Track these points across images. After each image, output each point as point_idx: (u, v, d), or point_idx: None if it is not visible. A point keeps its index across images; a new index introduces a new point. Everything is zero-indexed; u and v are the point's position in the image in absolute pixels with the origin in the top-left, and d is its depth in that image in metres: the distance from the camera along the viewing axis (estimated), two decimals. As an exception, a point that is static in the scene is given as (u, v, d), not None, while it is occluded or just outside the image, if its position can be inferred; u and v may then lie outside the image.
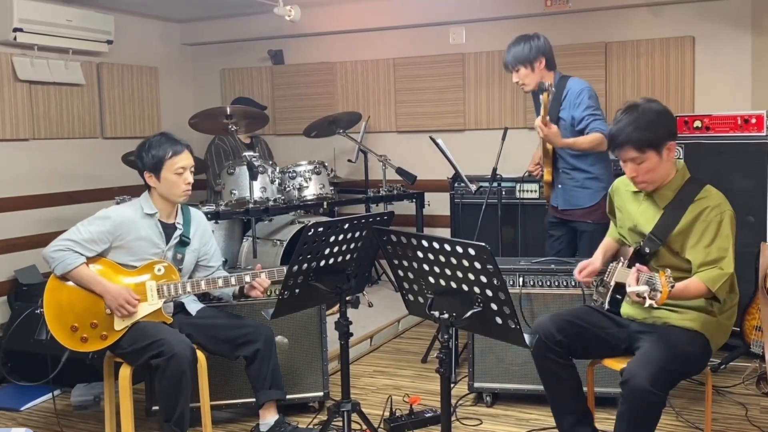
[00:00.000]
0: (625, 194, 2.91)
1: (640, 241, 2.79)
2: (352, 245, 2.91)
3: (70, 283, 3.05)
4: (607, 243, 3.02)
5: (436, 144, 4.29)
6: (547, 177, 3.96)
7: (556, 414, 2.92)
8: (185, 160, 3.18)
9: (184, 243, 3.26)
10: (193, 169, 3.23)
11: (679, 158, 4.32)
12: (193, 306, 3.33)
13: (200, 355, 3.14)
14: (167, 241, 3.21)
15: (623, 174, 2.81)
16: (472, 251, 2.20)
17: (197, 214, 3.40)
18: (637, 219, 2.80)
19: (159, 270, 3.14)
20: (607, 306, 2.82)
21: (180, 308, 3.29)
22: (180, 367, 2.90)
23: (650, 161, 2.64)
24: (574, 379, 2.86)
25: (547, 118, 3.68)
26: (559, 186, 3.95)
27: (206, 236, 3.38)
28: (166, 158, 3.14)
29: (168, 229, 3.23)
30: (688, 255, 2.65)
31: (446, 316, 2.39)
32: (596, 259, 2.91)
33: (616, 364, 2.75)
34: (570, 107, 3.79)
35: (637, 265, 2.56)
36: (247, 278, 3.19)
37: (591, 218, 3.85)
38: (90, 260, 3.07)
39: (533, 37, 3.82)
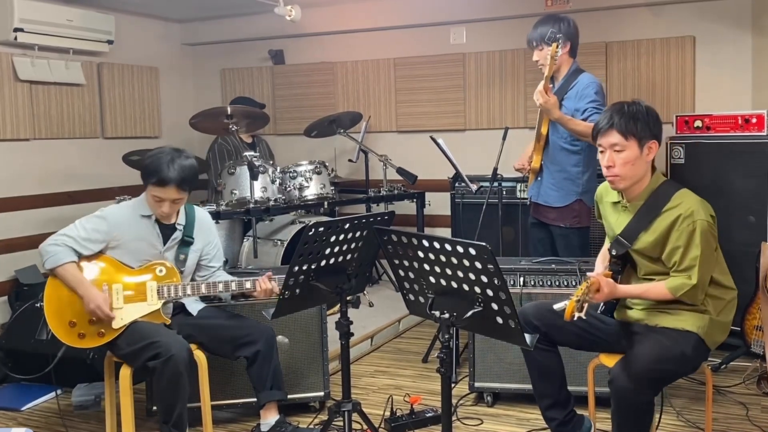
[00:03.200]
0: (606, 204, 2.94)
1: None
2: (353, 245, 2.91)
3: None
4: (605, 251, 3.04)
5: (437, 144, 4.29)
6: (535, 164, 3.95)
7: (535, 394, 3.01)
8: (165, 193, 3.07)
9: (186, 243, 3.26)
10: (177, 201, 3.13)
11: (679, 158, 4.33)
12: (194, 306, 3.33)
13: (201, 355, 3.15)
14: (164, 242, 3.21)
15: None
16: (472, 251, 2.20)
17: (201, 214, 3.39)
18: (615, 229, 2.85)
19: (161, 271, 3.14)
20: (601, 308, 2.85)
21: (181, 309, 3.30)
22: (177, 369, 2.90)
23: (630, 152, 2.67)
24: (553, 364, 2.94)
25: (550, 86, 3.67)
26: (539, 178, 3.97)
27: (210, 236, 3.37)
28: (150, 182, 3.09)
29: (166, 230, 3.22)
30: (664, 258, 2.70)
31: (447, 316, 2.39)
32: (598, 271, 2.93)
33: (613, 363, 2.75)
34: (575, 98, 3.77)
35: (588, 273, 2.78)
36: (248, 284, 3.18)
37: (564, 222, 3.87)
38: (93, 258, 3.08)
39: (563, 20, 3.79)
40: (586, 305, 2.48)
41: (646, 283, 2.75)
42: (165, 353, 2.89)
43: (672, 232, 2.65)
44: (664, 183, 2.76)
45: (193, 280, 3.30)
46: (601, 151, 2.74)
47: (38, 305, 3.90)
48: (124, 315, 3.07)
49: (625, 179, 2.71)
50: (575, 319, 2.48)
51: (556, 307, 2.64)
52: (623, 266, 2.84)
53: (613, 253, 2.80)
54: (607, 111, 2.73)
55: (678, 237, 2.63)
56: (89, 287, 3.03)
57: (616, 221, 2.86)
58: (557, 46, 3.58)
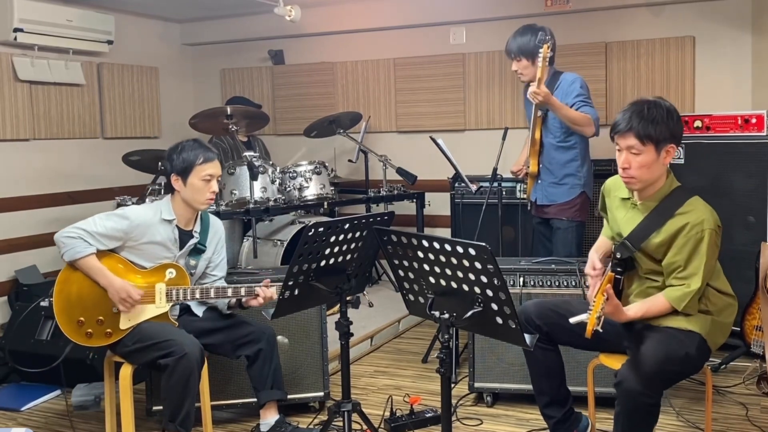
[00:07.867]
0: (614, 199, 2.91)
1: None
2: (353, 245, 2.91)
3: (81, 276, 3.04)
4: (601, 241, 3.02)
5: (437, 144, 4.29)
6: (533, 168, 4.03)
7: (534, 391, 3.02)
8: (214, 168, 3.18)
9: (199, 251, 3.26)
10: (219, 179, 3.24)
11: (678, 158, 4.33)
12: (199, 308, 3.32)
13: (201, 355, 3.15)
14: (181, 248, 3.21)
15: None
16: (472, 251, 2.20)
17: (216, 222, 3.39)
18: (622, 226, 2.82)
19: (170, 273, 3.13)
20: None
21: (186, 309, 3.29)
22: (189, 366, 2.90)
23: (646, 156, 2.63)
24: (552, 363, 2.94)
25: (543, 83, 3.75)
26: (539, 181, 4.05)
27: (219, 246, 3.38)
28: (197, 163, 3.13)
29: (184, 236, 3.21)
30: (664, 264, 2.67)
31: (447, 316, 2.39)
32: (595, 260, 2.91)
33: (615, 363, 2.76)
34: (562, 95, 3.87)
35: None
36: (256, 290, 3.18)
37: (565, 215, 3.97)
38: (104, 255, 3.07)
39: (539, 30, 3.89)
40: (602, 319, 2.45)
41: (643, 300, 2.71)
42: (179, 351, 2.90)
43: (678, 238, 2.62)
44: (677, 188, 2.73)
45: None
46: (618, 150, 2.70)
47: (41, 304, 3.91)
48: (132, 316, 3.07)
49: (640, 181, 2.68)
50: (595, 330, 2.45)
51: (572, 320, 2.58)
52: (625, 268, 2.82)
53: (618, 256, 2.76)
54: (627, 111, 2.67)
55: (684, 243, 2.60)
56: (112, 278, 3.03)
57: (623, 218, 2.83)
58: (548, 48, 3.68)
